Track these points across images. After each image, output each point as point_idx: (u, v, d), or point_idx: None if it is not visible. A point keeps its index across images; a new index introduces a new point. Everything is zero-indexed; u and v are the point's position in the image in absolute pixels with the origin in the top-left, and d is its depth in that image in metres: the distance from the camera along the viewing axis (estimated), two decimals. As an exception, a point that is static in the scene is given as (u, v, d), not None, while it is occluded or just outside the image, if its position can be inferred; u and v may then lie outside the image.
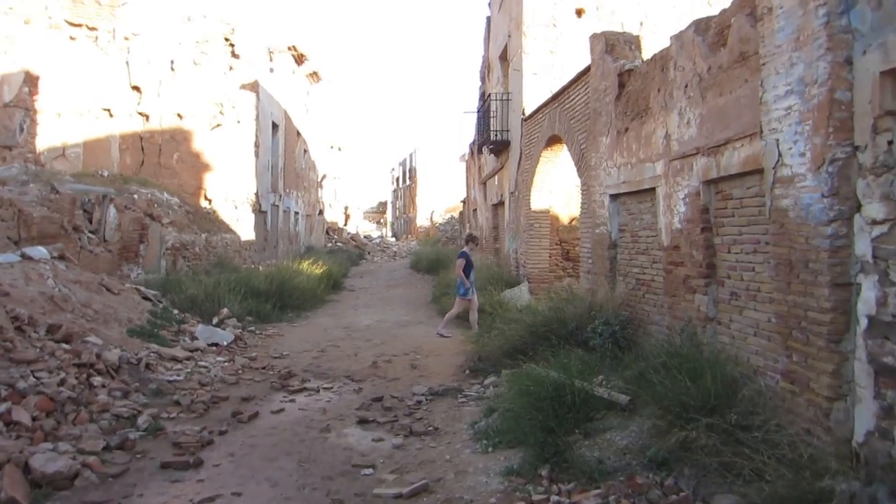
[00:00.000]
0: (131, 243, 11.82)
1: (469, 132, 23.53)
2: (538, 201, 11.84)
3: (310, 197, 30.36)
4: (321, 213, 32.46)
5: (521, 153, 12.62)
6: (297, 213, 26.72)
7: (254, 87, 19.50)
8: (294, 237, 26.10)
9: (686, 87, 5.58)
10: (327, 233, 33.35)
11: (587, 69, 8.68)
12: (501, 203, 15.50)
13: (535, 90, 12.25)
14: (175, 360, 7.25)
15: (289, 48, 23.37)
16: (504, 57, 14.71)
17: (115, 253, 11.21)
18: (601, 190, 7.95)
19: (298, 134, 26.99)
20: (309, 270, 16.29)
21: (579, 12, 12.56)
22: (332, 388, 6.84)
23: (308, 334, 10.21)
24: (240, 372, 7.30)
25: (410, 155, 57.17)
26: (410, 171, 56.94)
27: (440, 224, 44.38)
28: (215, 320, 9.85)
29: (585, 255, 8.78)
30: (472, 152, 20.92)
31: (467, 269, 9.96)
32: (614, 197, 7.62)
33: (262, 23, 20.97)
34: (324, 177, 34.25)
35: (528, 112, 12.09)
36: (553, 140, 10.67)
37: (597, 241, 8.14)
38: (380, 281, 20.08)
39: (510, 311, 8.55)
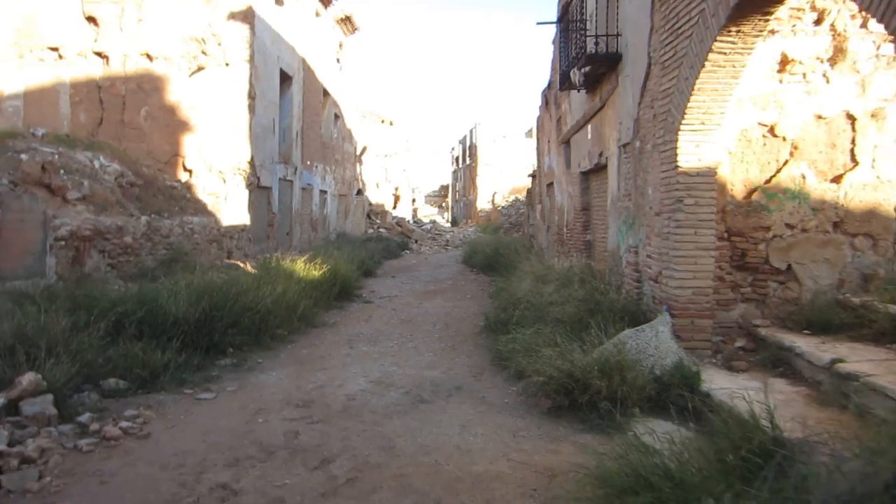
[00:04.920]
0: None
1: (536, 95, 17.43)
2: (696, 153, 5.95)
3: (344, 173, 25.12)
4: (360, 193, 27.20)
5: (648, 66, 6.74)
6: (324, 191, 21.51)
7: (247, 16, 14.20)
8: (319, 222, 20.90)
9: None
10: (368, 217, 28.11)
11: None
12: (599, 168, 9.62)
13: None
14: None
15: (305, -26, 17.99)
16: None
17: None
18: None
19: (326, 93, 21.69)
20: (304, 273, 10.92)
21: None
22: None
23: (206, 435, 4.73)
24: None
25: (471, 131, 51.30)
26: (470, 148, 51.11)
27: (503, 207, 38.64)
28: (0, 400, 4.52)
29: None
30: (545, 102, 14.98)
31: None
32: None
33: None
34: (364, 150, 28.94)
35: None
36: (748, 7, 4.76)
37: None
38: (416, 283, 14.52)
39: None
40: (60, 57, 14.14)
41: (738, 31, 5.03)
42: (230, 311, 7.19)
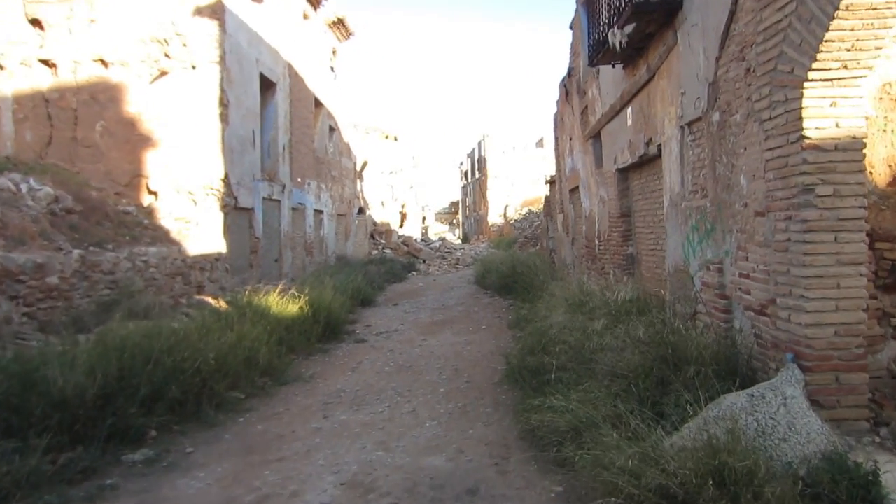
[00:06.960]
0: None
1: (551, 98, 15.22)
2: (832, 115, 3.82)
3: (343, 191, 23.13)
4: (361, 211, 25.19)
5: (735, 1, 4.63)
6: (319, 211, 19.48)
7: (215, 11, 12.28)
8: (315, 245, 18.85)
9: None
10: (372, 237, 26.06)
11: None
12: (646, 160, 7.48)
13: None
14: None
15: (285, -31, 16.12)
16: None
17: None
18: None
19: (319, 103, 19.76)
20: (279, 309, 8.83)
21: None
22: None
23: None
24: None
25: (479, 143, 49.39)
26: (479, 161, 49.15)
27: (516, 221, 36.55)
28: None
29: None
30: (565, 93, 12.86)
31: None
32: None
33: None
34: (364, 164, 26.97)
35: None
36: None
37: None
38: (421, 311, 12.37)
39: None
40: (1, 67, 12.28)
41: None
42: (150, 377, 5.09)
